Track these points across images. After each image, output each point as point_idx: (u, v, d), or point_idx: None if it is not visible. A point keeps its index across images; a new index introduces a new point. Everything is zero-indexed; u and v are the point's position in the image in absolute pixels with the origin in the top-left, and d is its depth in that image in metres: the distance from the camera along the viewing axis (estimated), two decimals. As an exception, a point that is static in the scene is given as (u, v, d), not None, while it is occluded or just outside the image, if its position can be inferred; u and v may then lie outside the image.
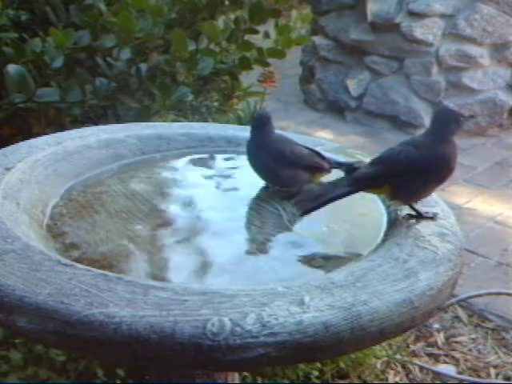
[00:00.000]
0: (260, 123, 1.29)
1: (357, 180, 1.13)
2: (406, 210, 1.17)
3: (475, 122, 3.73)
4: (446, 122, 1.14)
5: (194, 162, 1.45)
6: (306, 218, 1.24)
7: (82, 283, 0.88)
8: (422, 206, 1.18)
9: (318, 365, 1.72)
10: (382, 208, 1.23)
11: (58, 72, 1.86)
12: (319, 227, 1.22)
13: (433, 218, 1.15)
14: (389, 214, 1.21)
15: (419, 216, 1.15)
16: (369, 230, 1.18)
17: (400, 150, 1.15)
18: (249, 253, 1.10)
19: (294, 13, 2.28)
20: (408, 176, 1.12)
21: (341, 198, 1.12)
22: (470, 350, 1.99)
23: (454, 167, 1.14)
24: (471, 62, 3.68)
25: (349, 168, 1.28)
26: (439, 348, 1.99)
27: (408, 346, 1.96)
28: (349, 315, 0.87)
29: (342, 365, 1.76)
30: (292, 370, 1.69)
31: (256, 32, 2.12)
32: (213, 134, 1.51)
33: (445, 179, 1.15)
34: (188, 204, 1.27)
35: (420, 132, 3.74)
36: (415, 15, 3.62)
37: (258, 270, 1.05)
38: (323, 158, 1.31)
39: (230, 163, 1.45)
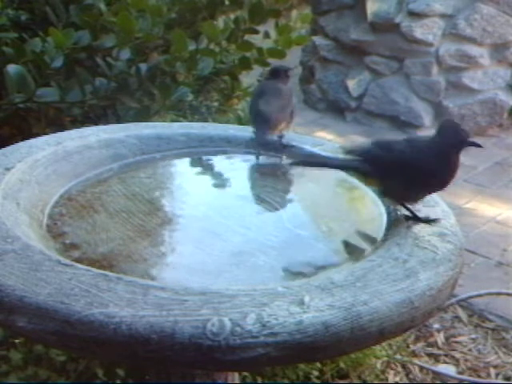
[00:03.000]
0: (271, 74, 1.53)
1: (349, 159, 1.16)
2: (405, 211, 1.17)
3: (475, 122, 3.73)
4: (446, 137, 1.12)
5: (194, 162, 1.45)
6: (306, 218, 1.24)
7: (81, 283, 0.88)
8: (423, 206, 1.17)
9: (318, 365, 1.72)
10: (381, 208, 1.23)
11: (57, 72, 1.86)
12: (319, 227, 1.22)
13: (430, 222, 1.13)
14: (389, 213, 1.21)
15: (415, 218, 1.14)
16: (369, 230, 1.18)
17: (396, 142, 1.15)
18: (249, 253, 1.10)
19: (293, 13, 2.27)
20: (393, 173, 1.11)
21: (329, 167, 1.17)
22: (470, 349, 1.99)
23: (447, 180, 1.12)
24: (471, 61, 3.67)
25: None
26: (439, 348, 1.99)
27: (408, 346, 1.96)
28: (349, 315, 0.87)
29: (342, 365, 1.76)
30: (292, 370, 1.69)
31: (256, 32, 2.12)
32: (213, 134, 1.51)
33: (433, 188, 1.14)
34: (188, 204, 1.27)
35: (420, 132, 3.74)
36: (415, 15, 3.62)
37: (257, 270, 1.05)
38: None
39: (229, 163, 1.45)
